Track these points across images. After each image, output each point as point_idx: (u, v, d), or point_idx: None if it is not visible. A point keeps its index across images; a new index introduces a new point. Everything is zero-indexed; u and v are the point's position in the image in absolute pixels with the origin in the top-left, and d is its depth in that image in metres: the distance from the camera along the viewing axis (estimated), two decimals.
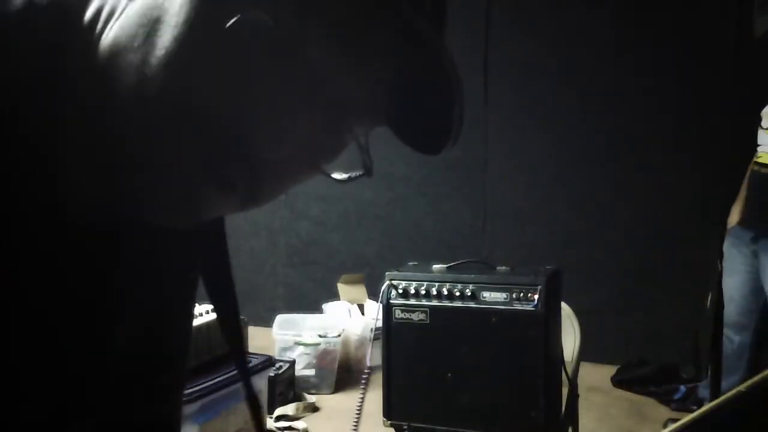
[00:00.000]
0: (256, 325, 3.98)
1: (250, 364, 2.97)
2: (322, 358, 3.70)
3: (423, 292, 2.21)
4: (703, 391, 3.39)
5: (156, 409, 0.68)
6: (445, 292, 2.18)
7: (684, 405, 3.59)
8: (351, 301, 4.30)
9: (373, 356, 2.50)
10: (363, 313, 4.22)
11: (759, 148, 3.06)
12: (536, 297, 2.09)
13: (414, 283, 2.22)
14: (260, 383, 3.07)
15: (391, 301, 2.24)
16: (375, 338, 2.47)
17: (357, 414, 2.27)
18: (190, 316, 0.73)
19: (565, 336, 2.31)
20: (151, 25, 0.48)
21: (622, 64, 4.11)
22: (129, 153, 0.50)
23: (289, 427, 3.30)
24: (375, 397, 2.35)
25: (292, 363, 3.59)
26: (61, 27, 0.51)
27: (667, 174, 4.01)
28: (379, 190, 4.64)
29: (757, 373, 3.25)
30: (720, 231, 3.21)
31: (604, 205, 4.20)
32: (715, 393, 2.50)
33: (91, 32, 0.51)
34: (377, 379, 2.34)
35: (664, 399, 3.70)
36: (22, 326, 0.53)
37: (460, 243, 4.45)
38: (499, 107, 4.30)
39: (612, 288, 4.16)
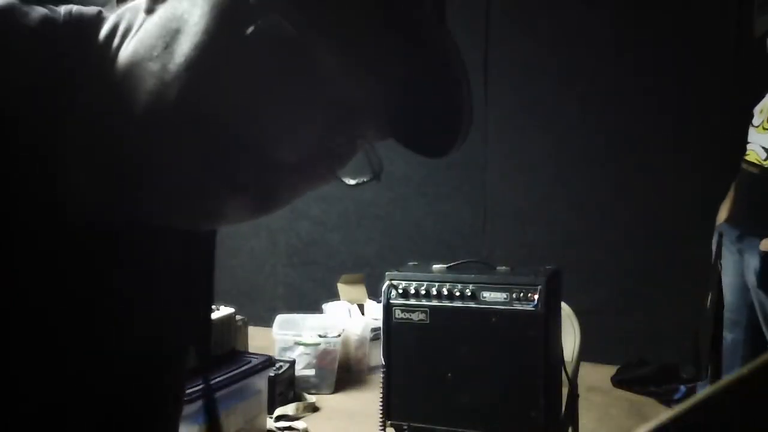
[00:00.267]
0: (256, 325, 3.98)
1: (250, 364, 2.97)
2: (322, 358, 3.70)
3: (423, 292, 2.21)
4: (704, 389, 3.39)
5: (156, 410, 0.68)
6: (445, 292, 2.18)
7: None
8: (351, 301, 4.30)
9: (373, 356, 2.50)
10: (363, 313, 4.22)
11: (748, 146, 3.06)
12: (536, 297, 2.09)
13: (414, 283, 2.23)
14: (260, 383, 3.07)
15: (391, 301, 2.24)
16: (374, 338, 2.47)
17: (381, 414, 2.27)
18: (198, 316, 0.72)
19: (565, 336, 2.32)
20: (170, 36, 0.50)
21: (622, 64, 4.11)
22: (135, 149, 0.51)
23: (289, 427, 3.30)
24: (374, 397, 2.35)
25: (292, 363, 3.59)
26: (77, 42, 0.53)
27: (667, 174, 4.01)
28: (379, 190, 4.64)
29: None
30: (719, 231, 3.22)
31: (604, 205, 4.20)
32: None
33: (107, 48, 0.52)
34: (377, 378, 2.34)
35: (664, 399, 3.70)
36: (21, 326, 0.53)
37: (460, 243, 4.45)
38: (499, 107, 4.30)
39: (612, 288, 4.16)
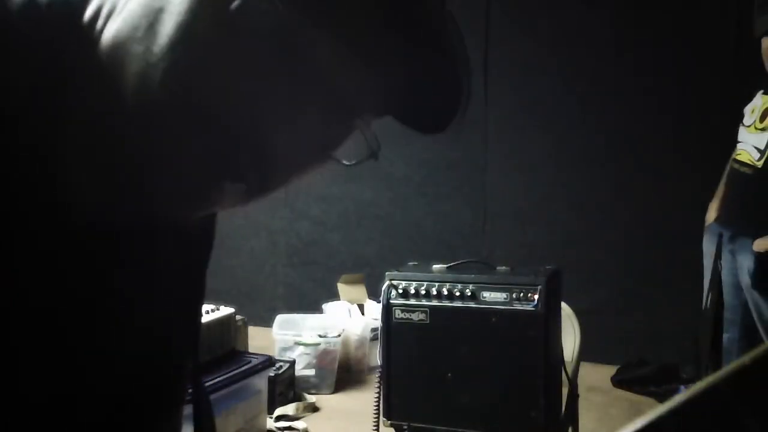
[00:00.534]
0: (256, 325, 3.99)
1: (250, 364, 2.97)
2: (322, 358, 3.70)
3: (423, 292, 2.21)
4: None
5: (158, 409, 0.68)
6: (445, 292, 2.18)
7: None
8: (351, 301, 4.30)
9: (373, 356, 2.50)
10: (363, 313, 4.22)
11: (738, 145, 3.06)
12: (536, 297, 2.09)
13: (414, 283, 2.22)
14: (260, 383, 3.07)
15: (391, 301, 2.24)
16: (374, 338, 2.47)
17: (376, 413, 2.27)
18: (195, 316, 0.72)
19: (565, 336, 2.31)
20: (153, 15, 0.48)
21: (622, 64, 4.11)
22: (134, 146, 0.50)
23: (289, 427, 3.30)
24: (374, 397, 2.35)
25: (292, 363, 3.59)
26: (62, 25, 0.51)
27: (667, 174, 4.01)
28: (379, 190, 4.64)
29: None
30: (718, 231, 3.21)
31: (604, 205, 4.20)
32: None
33: (91, 30, 0.50)
34: (377, 379, 2.34)
35: (664, 399, 3.67)
36: (22, 326, 0.53)
37: (460, 243, 4.45)
38: (499, 107, 4.30)
39: (612, 288, 4.16)
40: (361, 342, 3.95)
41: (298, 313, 4.02)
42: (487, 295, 2.15)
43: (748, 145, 2.97)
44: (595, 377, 3.84)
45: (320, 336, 3.71)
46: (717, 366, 2.53)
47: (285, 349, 3.70)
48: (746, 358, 0.45)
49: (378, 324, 2.29)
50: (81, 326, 0.56)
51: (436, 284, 2.20)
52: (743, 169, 2.97)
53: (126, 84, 0.48)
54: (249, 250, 5.00)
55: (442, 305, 2.19)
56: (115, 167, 0.51)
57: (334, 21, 0.49)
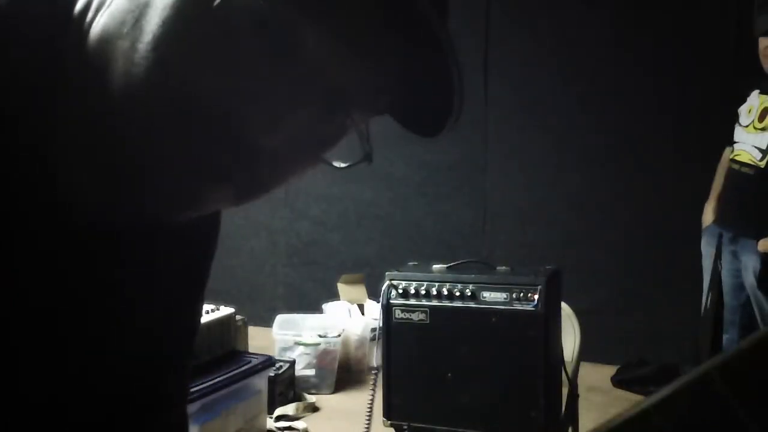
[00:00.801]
0: (256, 325, 3.99)
1: (250, 364, 2.97)
2: (322, 358, 3.70)
3: (423, 292, 2.21)
4: None
5: (158, 410, 0.68)
6: (445, 292, 2.18)
7: None
8: (351, 301, 4.30)
9: (374, 356, 2.50)
10: (363, 313, 4.22)
11: (736, 146, 3.06)
12: (536, 297, 2.09)
13: (414, 283, 2.22)
14: (260, 383, 3.07)
15: (391, 301, 2.24)
16: (374, 338, 2.47)
17: (368, 414, 2.27)
18: (195, 316, 0.72)
19: (565, 336, 2.31)
20: (139, 10, 0.47)
21: (622, 64, 4.11)
22: (120, 145, 0.49)
23: (289, 427, 3.30)
24: (375, 397, 2.35)
25: (292, 363, 3.59)
26: (52, 18, 0.50)
27: (667, 174, 4.01)
28: (379, 190, 4.63)
29: None
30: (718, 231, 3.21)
31: (604, 205, 4.20)
32: None
33: (81, 24, 0.50)
34: (378, 379, 2.34)
35: None
36: (22, 326, 0.53)
37: (460, 243, 4.45)
38: (499, 107, 4.30)
39: (612, 288, 4.16)
40: (361, 342, 3.95)
41: (298, 313, 4.02)
42: (487, 295, 2.15)
43: (748, 145, 2.97)
44: (595, 377, 3.84)
45: (320, 336, 3.71)
46: None
47: (285, 349, 3.70)
48: (739, 346, 0.45)
49: (378, 324, 2.29)
50: (81, 326, 0.56)
51: (436, 284, 2.20)
52: (744, 169, 2.96)
53: (113, 81, 0.47)
54: (249, 250, 5.00)
55: (442, 305, 2.19)
56: (105, 166, 0.50)
57: (329, 18, 0.48)
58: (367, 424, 2.27)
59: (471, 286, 2.16)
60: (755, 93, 3.00)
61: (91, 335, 0.57)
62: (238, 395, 2.89)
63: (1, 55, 0.49)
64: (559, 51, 4.23)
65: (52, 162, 0.51)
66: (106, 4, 0.49)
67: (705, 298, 3.14)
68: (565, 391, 2.29)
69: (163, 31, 0.46)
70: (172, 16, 0.46)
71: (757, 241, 2.85)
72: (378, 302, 2.26)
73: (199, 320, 0.73)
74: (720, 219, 3.12)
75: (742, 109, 3.05)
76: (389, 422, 2.27)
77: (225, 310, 3.05)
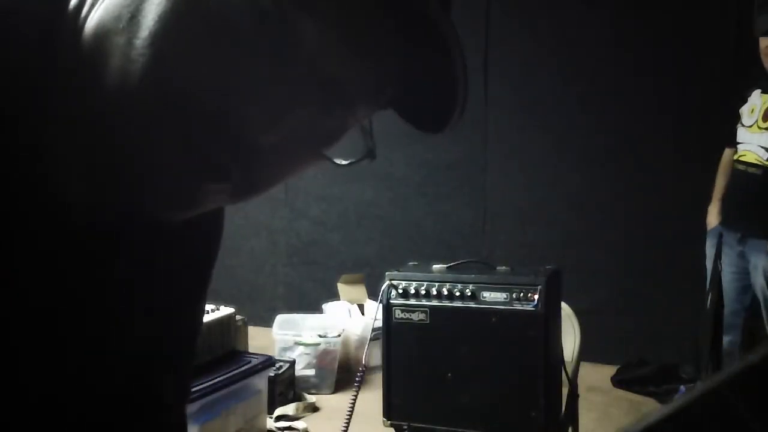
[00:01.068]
0: (256, 325, 3.99)
1: (250, 364, 2.97)
2: (322, 358, 3.70)
3: (423, 292, 2.21)
4: None
5: (158, 410, 0.68)
6: (445, 292, 2.18)
7: None
8: (351, 301, 4.30)
9: (373, 356, 2.50)
10: (363, 313, 4.22)
11: (740, 147, 3.05)
12: (536, 297, 2.09)
13: (414, 283, 2.22)
14: (260, 383, 3.07)
15: (391, 301, 2.24)
16: (374, 338, 2.47)
17: (348, 413, 2.26)
18: (197, 316, 0.72)
19: (565, 336, 2.31)
20: (135, 5, 0.46)
21: (622, 64, 4.11)
22: (118, 144, 0.48)
23: (289, 427, 3.30)
24: (374, 397, 2.35)
25: (292, 363, 3.59)
26: (47, 15, 0.50)
27: (667, 174, 4.01)
28: (379, 190, 4.64)
29: None
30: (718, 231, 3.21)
31: (604, 205, 4.20)
32: None
33: (76, 18, 0.49)
34: (377, 379, 2.34)
35: (664, 399, 3.70)
36: (22, 326, 0.53)
37: (460, 243, 4.45)
38: (499, 107, 4.30)
39: (612, 288, 4.16)
40: (361, 342, 3.95)
41: (298, 313, 4.02)
42: (487, 295, 2.15)
43: (753, 146, 2.97)
44: (595, 377, 3.84)
45: (320, 336, 3.71)
46: (717, 366, 2.53)
47: (285, 349, 3.70)
48: (753, 358, 0.45)
49: (378, 324, 2.29)
50: (80, 326, 0.56)
51: (436, 284, 2.20)
52: (750, 169, 2.96)
53: (109, 77, 0.47)
54: (249, 250, 5.00)
55: (442, 305, 2.19)
56: (103, 165, 0.50)
57: (329, 14, 0.47)
58: (346, 424, 2.26)
59: (471, 286, 2.16)
60: (757, 92, 3.00)
61: (91, 335, 0.57)
62: (238, 395, 2.89)
63: (3, 53, 0.49)
64: (559, 51, 4.23)
65: (51, 161, 0.51)
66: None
67: (707, 299, 3.14)
68: (565, 391, 2.29)
69: (159, 26, 0.45)
70: (169, 12, 0.45)
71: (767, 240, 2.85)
72: (378, 302, 2.26)
73: (201, 320, 0.73)
74: (725, 220, 3.11)
75: (744, 110, 3.05)
76: (389, 422, 2.27)
77: (225, 310, 3.05)
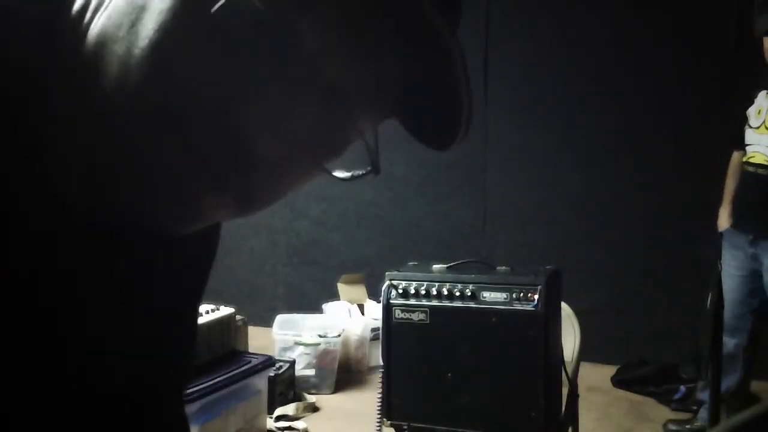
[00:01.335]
0: (256, 325, 3.99)
1: (250, 364, 2.97)
2: (322, 358, 3.70)
3: (423, 292, 2.21)
4: (699, 394, 3.40)
5: (158, 410, 0.68)
6: (445, 292, 2.18)
7: (684, 405, 3.59)
8: (351, 301, 4.30)
9: (373, 356, 2.50)
10: (363, 313, 4.22)
11: (749, 148, 3.05)
12: (536, 297, 2.09)
13: (414, 283, 2.22)
14: (260, 383, 3.07)
15: (391, 301, 2.24)
16: (374, 338, 2.47)
17: (378, 415, 2.27)
18: (195, 317, 0.72)
19: (565, 336, 2.31)
20: (136, 14, 0.46)
21: (622, 64, 4.11)
22: (118, 145, 0.48)
23: (289, 427, 3.30)
24: (374, 397, 2.35)
25: (292, 363, 3.59)
26: (50, 18, 0.50)
27: (667, 174, 4.01)
28: (379, 190, 4.64)
29: (752, 375, 3.22)
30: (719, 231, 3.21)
31: (604, 205, 4.20)
32: (715, 393, 2.50)
33: (79, 23, 0.49)
34: (377, 378, 2.34)
35: (664, 399, 3.70)
36: (22, 326, 0.53)
37: (460, 243, 4.45)
38: (499, 107, 4.30)
39: (612, 288, 4.16)
40: (361, 342, 3.95)
41: (298, 313, 4.02)
42: (487, 295, 2.15)
43: (761, 147, 2.97)
44: (595, 377, 3.84)
45: (320, 336, 3.71)
46: (717, 366, 2.53)
47: (285, 349, 3.70)
48: None
49: (378, 324, 2.28)
50: (81, 326, 0.56)
51: (436, 284, 2.20)
52: (760, 171, 2.96)
53: (109, 84, 0.46)
54: (249, 250, 5.00)
55: (442, 305, 2.19)
56: (103, 165, 0.50)
57: (328, 18, 0.47)
58: (378, 424, 2.26)
59: (471, 286, 2.16)
60: (763, 94, 2.99)
61: (91, 335, 0.57)
62: (238, 395, 2.89)
63: (4, 53, 0.49)
64: (559, 51, 4.23)
65: (51, 161, 0.51)
66: (104, 5, 0.48)
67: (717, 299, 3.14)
68: (565, 391, 2.29)
69: (159, 35, 0.45)
70: (169, 21, 0.45)
71: None
72: (378, 302, 2.26)
73: (197, 320, 0.73)
74: (736, 223, 3.12)
75: (751, 111, 3.05)
76: (389, 422, 2.27)
77: (225, 310, 3.05)
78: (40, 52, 0.50)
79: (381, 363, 2.27)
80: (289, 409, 3.41)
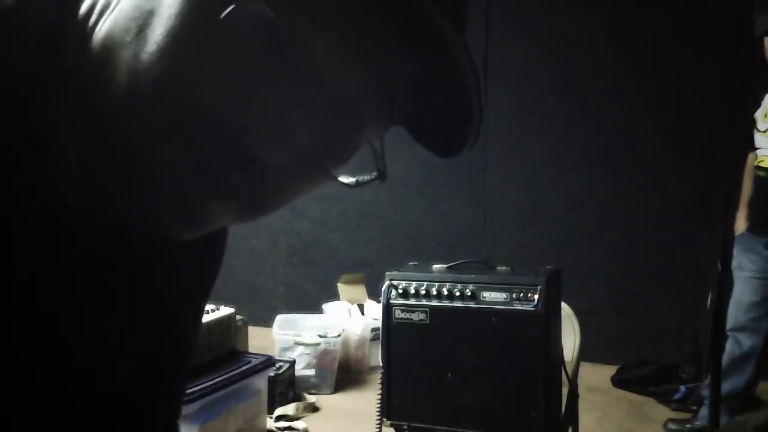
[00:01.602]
0: (256, 325, 3.99)
1: (250, 364, 2.97)
2: (322, 358, 3.70)
3: (423, 292, 2.20)
4: (705, 391, 3.40)
5: (157, 410, 0.68)
6: (445, 292, 2.18)
7: (684, 405, 3.59)
8: (351, 301, 4.30)
9: (373, 356, 2.50)
10: (363, 313, 4.23)
11: (759, 152, 3.06)
12: (536, 297, 2.09)
13: (414, 283, 2.22)
14: (260, 383, 3.07)
15: (391, 301, 2.24)
16: (374, 338, 2.47)
17: (379, 414, 2.27)
18: (197, 317, 0.72)
19: (565, 336, 2.31)
20: (144, 19, 0.46)
21: (622, 64, 4.11)
22: (120, 145, 0.48)
23: (289, 427, 3.30)
24: (375, 397, 2.35)
25: (292, 363, 3.59)
26: (57, 19, 0.49)
27: (667, 174, 4.01)
28: (379, 190, 4.64)
29: (762, 376, 3.22)
30: (720, 230, 3.21)
31: (604, 205, 4.20)
32: (715, 393, 2.50)
33: (85, 25, 0.49)
34: (377, 378, 2.34)
35: (664, 399, 3.70)
36: (22, 326, 0.53)
37: (460, 243, 4.45)
38: (499, 107, 4.31)
39: (612, 288, 4.16)
40: (361, 342, 3.95)
41: (298, 313, 4.02)
42: (487, 295, 2.15)
43: None
44: (595, 377, 3.84)
45: (320, 336, 3.71)
46: (717, 366, 2.53)
47: (285, 349, 3.70)
48: None
49: (378, 324, 2.28)
50: (81, 326, 0.56)
51: (436, 284, 2.19)
52: None
53: (115, 88, 0.46)
54: (249, 250, 5.00)
55: (442, 305, 2.19)
56: (103, 165, 0.50)
57: (339, 26, 0.47)
58: (378, 425, 2.26)
59: (471, 286, 2.16)
60: None
61: (91, 335, 0.57)
62: (238, 395, 2.89)
63: (4, 53, 0.49)
64: (559, 51, 4.23)
65: (51, 161, 0.51)
66: (111, 7, 0.48)
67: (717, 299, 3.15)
68: (565, 391, 2.29)
69: (168, 41, 0.45)
70: (178, 27, 0.45)
71: None
72: (378, 302, 2.26)
73: (201, 321, 0.73)
74: (752, 226, 3.13)
75: (758, 115, 3.06)
76: (389, 422, 2.27)
77: (225, 310, 3.05)
78: (40, 52, 0.49)
79: (381, 363, 2.27)
80: (289, 409, 3.41)
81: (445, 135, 0.54)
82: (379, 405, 2.28)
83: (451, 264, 2.31)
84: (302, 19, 0.46)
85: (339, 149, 0.52)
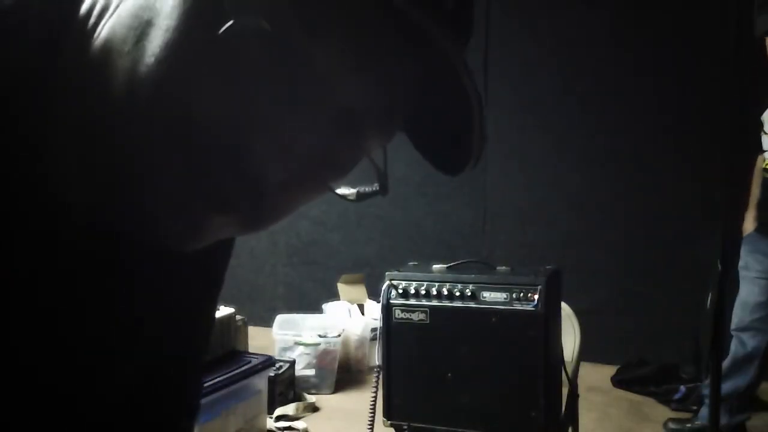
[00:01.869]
0: (256, 325, 3.99)
1: (250, 364, 2.97)
2: (322, 358, 3.70)
3: (423, 292, 2.20)
4: (705, 391, 3.40)
5: (164, 411, 0.68)
6: (445, 292, 2.18)
7: (684, 405, 3.59)
8: (351, 301, 4.30)
9: (373, 356, 2.49)
10: (363, 313, 4.23)
11: (766, 155, 3.08)
12: (536, 297, 2.09)
13: (414, 283, 2.22)
14: (260, 383, 3.07)
15: (391, 301, 2.24)
16: (374, 338, 2.47)
17: (371, 414, 2.27)
18: (203, 318, 0.72)
19: (565, 336, 2.31)
20: (141, 29, 0.46)
21: (622, 64, 4.11)
22: (119, 146, 0.47)
23: (289, 427, 3.30)
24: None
25: (292, 363, 3.59)
26: (57, 19, 0.49)
27: (667, 174, 4.02)
28: None
29: (765, 376, 3.23)
30: (721, 230, 3.21)
31: (604, 205, 4.20)
32: (715, 393, 2.50)
33: (84, 26, 0.49)
34: (374, 378, 2.34)
35: (664, 399, 3.70)
36: (23, 327, 0.53)
37: (460, 243, 4.45)
38: (499, 107, 4.31)
39: (612, 288, 4.16)
40: (361, 342, 3.95)
41: (298, 313, 4.02)
42: (487, 295, 2.15)
43: None
44: (595, 377, 3.84)
45: (320, 336, 3.71)
46: (717, 366, 2.53)
47: (285, 349, 3.70)
48: None
49: (378, 324, 2.28)
50: (81, 326, 0.56)
51: (436, 284, 2.19)
52: None
53: (113, 95, 0.46)
54: (249, 250, 5.00)
55: (442, 305, 2.19)
56: (103, 165, 0.49)
57: (339, 39, 0.47)
58: (370, 424, 2.27)
59: (471, 286, 2.16)
60: None
61: (91, 335, 0.57)
62: (238, 395, 2.89)
63: (4, 53, 0.49)
64: (559, 51, 4.23)
65: (51, 161, 0.51)
66: (110, 10, 0.48)
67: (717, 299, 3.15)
68: (565, 391, 2.29)
69: (165, 53, 0.44)
70: (176, 39, 0.44)
71: None
72: (378, 302, 2.26)
73: (211, 323, 0.73)
74: (760, 227, 3.14)
75: (765, 117, 3.07)
76: (389, 422, 2.27)
77: (225, 310, 3.05)
78: (40, 52, 0.49)
79: (378, 363, 2.27)
80: (289, 409, 3.41)
81: (447, 147, 0.54)
82: (371, 404, 2.28)
83: (451, 264, 2.31)
84: (301, 33, 0.45)
85: (340, 161, 0.52)
